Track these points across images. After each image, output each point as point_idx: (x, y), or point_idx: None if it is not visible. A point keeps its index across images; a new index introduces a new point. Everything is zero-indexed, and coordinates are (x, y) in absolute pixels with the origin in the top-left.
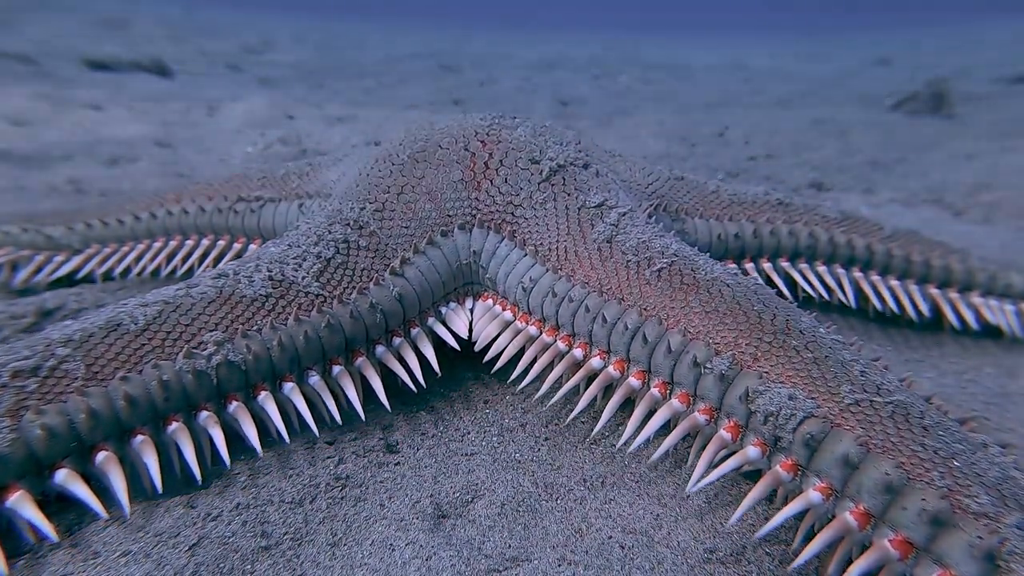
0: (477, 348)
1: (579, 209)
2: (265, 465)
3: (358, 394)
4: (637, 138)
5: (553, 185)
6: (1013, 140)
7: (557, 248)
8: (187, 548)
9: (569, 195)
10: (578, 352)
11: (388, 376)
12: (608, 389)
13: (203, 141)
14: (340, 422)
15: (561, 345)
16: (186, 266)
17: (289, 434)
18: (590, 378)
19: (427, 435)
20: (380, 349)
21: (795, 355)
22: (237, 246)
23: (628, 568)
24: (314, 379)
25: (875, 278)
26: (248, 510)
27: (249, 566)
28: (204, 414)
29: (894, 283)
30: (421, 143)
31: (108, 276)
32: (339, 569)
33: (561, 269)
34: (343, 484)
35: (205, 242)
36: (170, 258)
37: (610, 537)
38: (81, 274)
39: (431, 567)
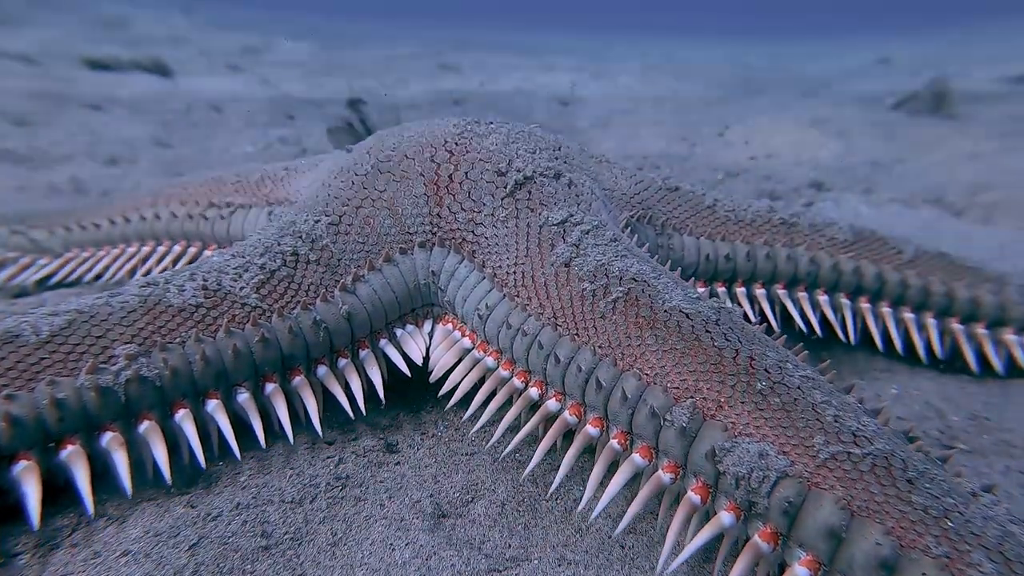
0: (432, 379)
1: (540, 227)
2: (265, 465)
3: (288, 412)
4: (637, 138)
5: (517, 200)
6: (1013, 140)
7: (515, 272)
8: (187, 548)
9: (532, 211)
10: (534, 391)
11: (389, 372)
12: (570, 435)
13: (203, 141)
14: (264, 446)
15: (517, 382)
16: (158, 271)
17: (205, 458)
18: (549, 421)
19: (427, 435)
20: (322, 370)
21: (762, 401)
22: (208, 253)
23: (628, 568)
24: (243, 396)
25: (884, 310)
26: (248, 510)
27: (249, 566)
28: (108, 435)
29: (907, 316)
30: (387, 152)
31: (97, 278)
32: (339, 569)
33: (518, 296)
34: (343, 484)
35: (177, 248)
36: (144, 261)
37: (610, 537)
38: (57, 278)
39: (431, 567)
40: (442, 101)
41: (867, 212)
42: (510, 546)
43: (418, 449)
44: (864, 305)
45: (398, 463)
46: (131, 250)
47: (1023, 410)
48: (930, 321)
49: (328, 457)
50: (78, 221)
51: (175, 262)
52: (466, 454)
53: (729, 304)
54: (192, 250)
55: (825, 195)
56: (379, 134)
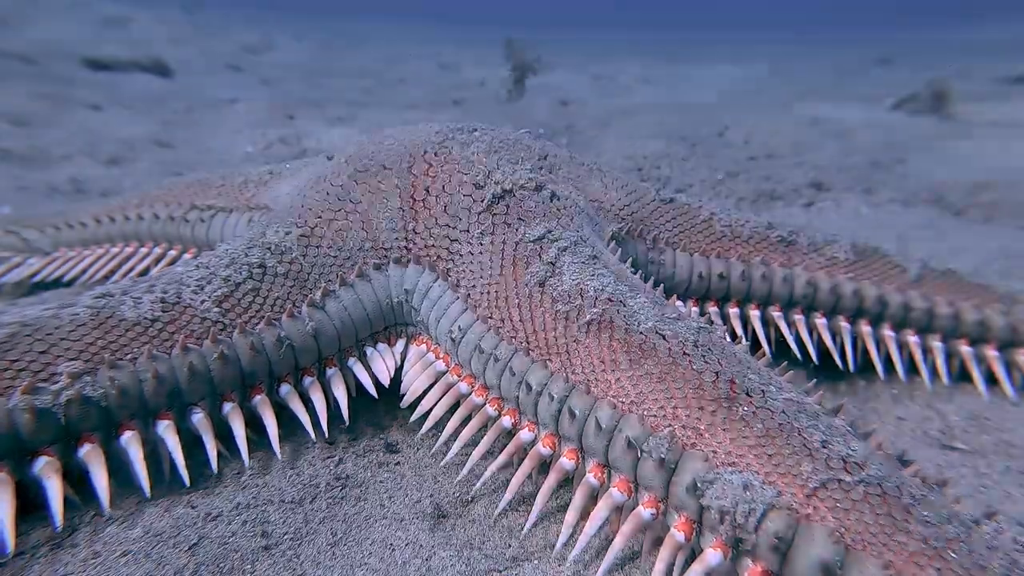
0: (404, 403)
1: (516, 244)
2: (265, 465)
3: (245, 434)
4: (637, 138)
5: (494, 215)
6: (1013, 140)
7: (488, 292)
8: (187, 548)
9: (509, 226)
10: (507, 420)
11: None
12: (547, 466)
13: (203, 141)
14: (216, 470)
15: (490, 409)
16: (137, 272)
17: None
18: (523, 452)
19: (427, 434)
20: (285, 388)
21: (744, 427)
22: (188, 257)
23: (628, 568)
24: (197, 415)
25: (887, 333)
26: (248, 510)
27: (249, 566)
28: (43, 460)
29: (911, 339)
30: (365, 161)
31: (83, 273)
32: (339, 569)
33: (491, 318)
34: (343, 484)
35: (158, 250)
36: (127, 260)
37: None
38: (40, 276)
39: (431, 567)
40: (442, 101)
41: (867, 212)
42: (510, 546)
43: (418, 449)
44: (865, 328)
45: (398, 463)
46: (115, 250)
47: (1023, 410)
48: (935, 344)
49: (328, 457)
50: (66, 220)
51: (156, 263)
52: (466, 454)
53: (712, 324)
54: (173, 253)
55: (825, 195)
56: (360, 142)
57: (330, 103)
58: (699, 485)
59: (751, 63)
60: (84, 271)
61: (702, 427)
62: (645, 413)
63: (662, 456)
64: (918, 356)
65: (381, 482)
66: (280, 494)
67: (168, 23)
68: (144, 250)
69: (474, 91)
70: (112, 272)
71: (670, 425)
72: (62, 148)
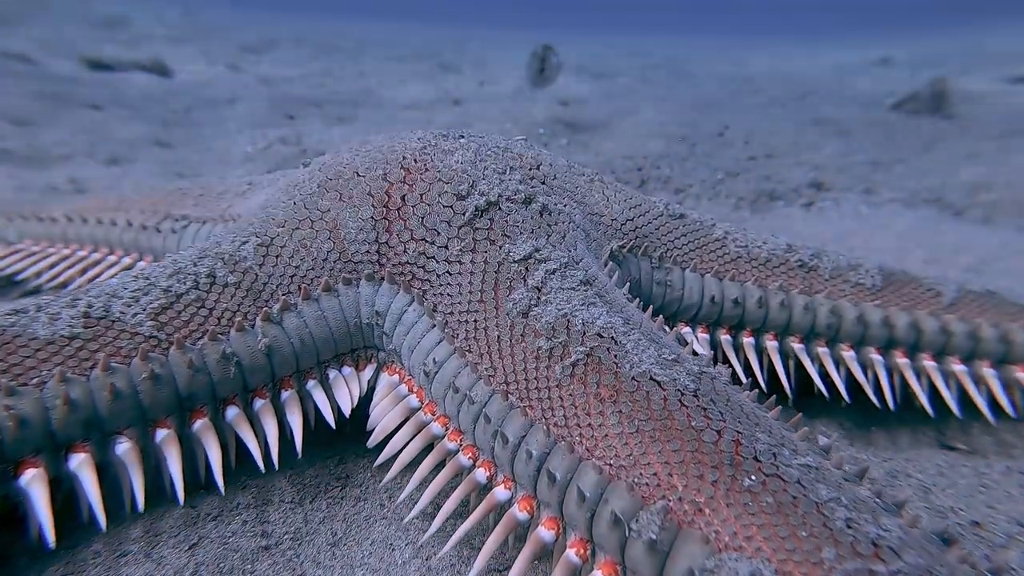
0: (371, 442)
1: (499, 264)
2: (264, 465)
3: (180, 464)
4: (637, 138)
5: (476, 230)
6: (1013, 140)
7: (467, 322)
8: (187, 548)
9: (493, 243)
10: (481, 474)
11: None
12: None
13: (203, 141)
14: (141, 508)
15: (463, 458)
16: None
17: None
18: (499, 513)
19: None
20: (232, 411)
21: (751, 502)
22: None
23: None
24: (122, 446)
25: (927, 363)
26: (248, 510)
27: (249, 566)
28: None
29: (956, 368)
30: (338, 168)
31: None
32: (339, 569)
33: (469, 352)
34: (343, 484)
35: (127, 260)
36: (95, 266)
37: None
38: None
39: (431, 567)
40: (442, 101)
41: (867, 212)
42: (511, 546)
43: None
44: (901, 360)
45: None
46: (82, 254)
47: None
48: (987, 371)
49: (328, 457)
50: (36, 213)
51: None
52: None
53: (715, 364)
54: (142, 264)
55: (825, 195)
56: (338, 149)
57: (330, 103)
58: (697, 574)
59: (751, 63)
60: (46, 270)
61: (701, 500)
62: (635, 481)
63: (653, 537)
64: (969, 386)
65: (381, 481)
66: (280, 494)
67: (168, 23)
68: (112, 258)
69: (474, 91)
70: (71, 280)
71: (664, 496)
72: (62, 148)
